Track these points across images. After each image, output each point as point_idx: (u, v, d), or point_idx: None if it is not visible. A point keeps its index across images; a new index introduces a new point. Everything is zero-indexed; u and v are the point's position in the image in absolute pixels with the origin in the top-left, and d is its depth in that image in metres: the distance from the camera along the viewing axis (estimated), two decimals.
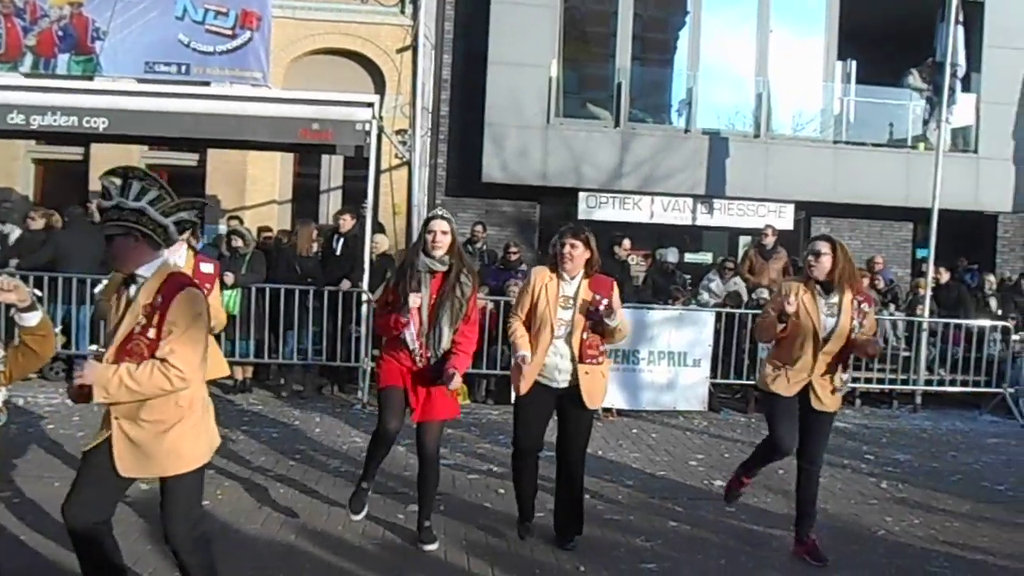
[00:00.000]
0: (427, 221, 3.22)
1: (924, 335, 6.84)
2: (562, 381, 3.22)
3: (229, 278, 6.02)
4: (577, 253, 3.17)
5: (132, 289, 2.26)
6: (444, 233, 3.14)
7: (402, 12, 8.71)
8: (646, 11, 9.61)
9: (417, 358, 3.15)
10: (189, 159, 8.93)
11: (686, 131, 8.95)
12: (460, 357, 3.14)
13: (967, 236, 9.13)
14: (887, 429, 6.17)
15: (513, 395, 3.47)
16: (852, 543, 3.58)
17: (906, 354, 6.91)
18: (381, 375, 3.25)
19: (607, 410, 6.09)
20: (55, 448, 4.34)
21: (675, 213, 9.04)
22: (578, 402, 3.21)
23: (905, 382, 6.90)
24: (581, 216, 8.80)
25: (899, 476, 4.69)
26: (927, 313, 6.94)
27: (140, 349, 2.20)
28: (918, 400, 6.90)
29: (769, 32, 9.20)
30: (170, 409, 2.25)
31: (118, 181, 2.23)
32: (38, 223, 6.60)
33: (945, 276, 7.76)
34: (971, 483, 4.66)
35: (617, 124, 8.82)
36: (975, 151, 9.23)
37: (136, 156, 8.77)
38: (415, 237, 8.97)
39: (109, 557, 2.32)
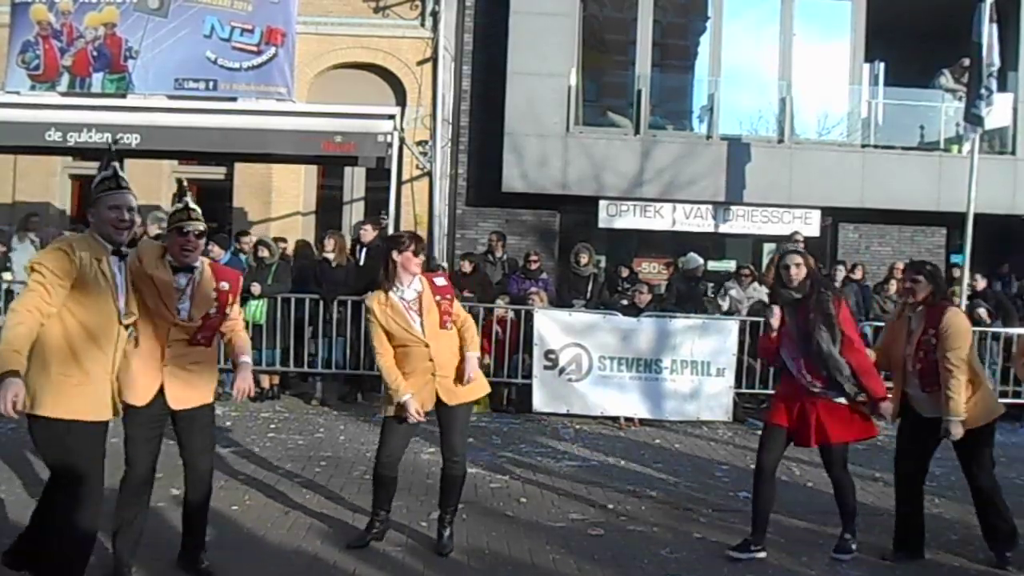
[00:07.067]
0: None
1: None
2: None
3: (256, 288, 6.17)
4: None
5: (181, 277, 2.74)
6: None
7: (422, 25, 8.83)
8: (666, 17, 9.58)
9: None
10: (217, 173, 9.16)
11: (708, 137, 8.85)
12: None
13: (1005, 241, 8.83)
14: None
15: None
16: (886, 559, 3.47)
17: None
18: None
19: (628, 419, 6.04)
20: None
21: (697, 220, 8.92)
22: None
23: None
24: (602, 225, 8.77)
25: (935, 491, 4.48)
26: None
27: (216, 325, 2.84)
28: None
29: (792, 35, 9.08)
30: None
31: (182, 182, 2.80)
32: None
33: (981, 283, 7.50)
34: (1012, 500, 4.45)
35: (637, 131, 8.77)
36: (1012, 152, 8.95)
37: (167, 171, 9.04)
38: (436, 247, 8.99)
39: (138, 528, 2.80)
